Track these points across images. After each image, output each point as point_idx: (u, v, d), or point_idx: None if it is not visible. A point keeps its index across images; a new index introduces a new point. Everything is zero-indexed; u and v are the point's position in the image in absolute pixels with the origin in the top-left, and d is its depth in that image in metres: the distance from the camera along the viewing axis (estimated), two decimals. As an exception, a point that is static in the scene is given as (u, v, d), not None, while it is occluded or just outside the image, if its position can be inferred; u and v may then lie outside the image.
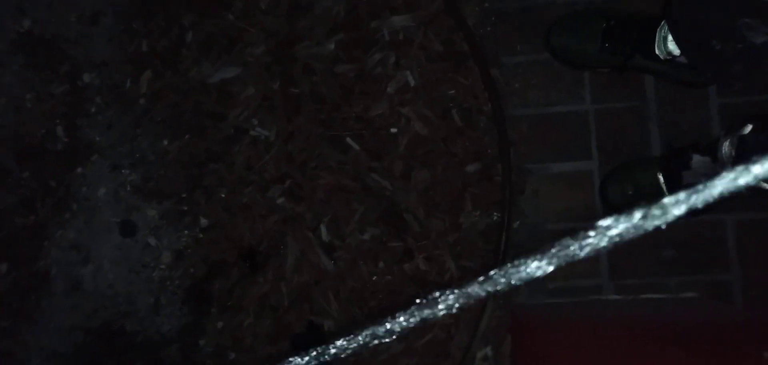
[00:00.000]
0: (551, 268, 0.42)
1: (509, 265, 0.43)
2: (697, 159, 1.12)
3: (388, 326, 0.54)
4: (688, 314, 1.16)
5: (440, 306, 0.50)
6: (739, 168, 0.32)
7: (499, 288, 0.46)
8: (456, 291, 0.49)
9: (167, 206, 1.35)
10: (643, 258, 1.21)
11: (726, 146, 1.03)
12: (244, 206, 1.32)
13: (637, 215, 0.36)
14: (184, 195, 1.34)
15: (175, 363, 1.33)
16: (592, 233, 0.38)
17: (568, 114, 1.25)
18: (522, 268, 0.42)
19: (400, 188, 1.28)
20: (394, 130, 1.28)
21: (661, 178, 1.14)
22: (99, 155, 1.36)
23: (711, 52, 0.95)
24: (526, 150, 1.25)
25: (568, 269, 1.22)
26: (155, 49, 1.36)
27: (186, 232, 1.34)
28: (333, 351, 0.57)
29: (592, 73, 1.23)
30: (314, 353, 0.58)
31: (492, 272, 0.43)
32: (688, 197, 0.34)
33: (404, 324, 0.53)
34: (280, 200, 1.31)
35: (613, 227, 0.37)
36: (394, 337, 0.55)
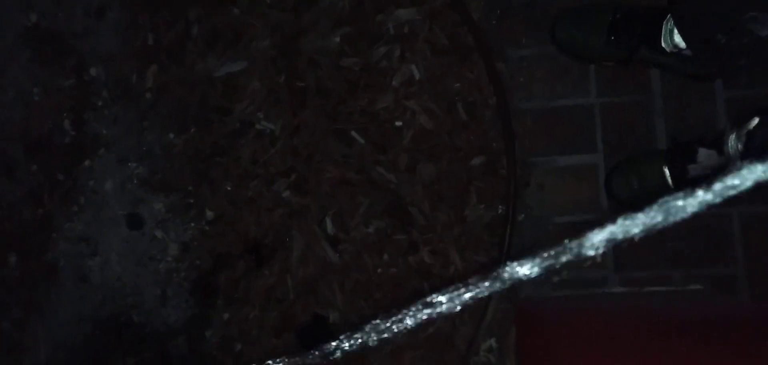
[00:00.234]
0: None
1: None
2: (703, 152, 1.11)
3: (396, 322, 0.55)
4: (693, 307, 1.16)
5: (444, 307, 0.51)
6: None
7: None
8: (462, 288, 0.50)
9: (174, 199, 1.35)
10: (648, 251, 1.21)
11: (732, 140, 1.02)
12: (249, 200, 1.32)
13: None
14: (190, 188, 1.35)
15: (182, 354, 1.34)
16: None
17: (573, 107, 1.25)
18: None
19: (405, 182, 1.28)
20: (399, 123, 1.29)
21: (666, 171, 1.14)
22: (106, 149, 1.37)
23: (717, 46, 0.95)
24: (532, 143, 1.25)
25: (573, 262, 1.23)
26: (161, 43, 1.36)
27: (192, 225, 1.35)
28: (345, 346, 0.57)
29: (598, 66, 1.23)
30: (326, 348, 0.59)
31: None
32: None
33: (412, 322, 0.53)
34: (285, 194, 1.31)
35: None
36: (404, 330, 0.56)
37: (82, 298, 1.36)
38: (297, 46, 1.32)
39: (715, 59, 1.03)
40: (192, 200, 1.35)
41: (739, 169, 0.37)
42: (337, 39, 1.31)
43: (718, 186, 0.39)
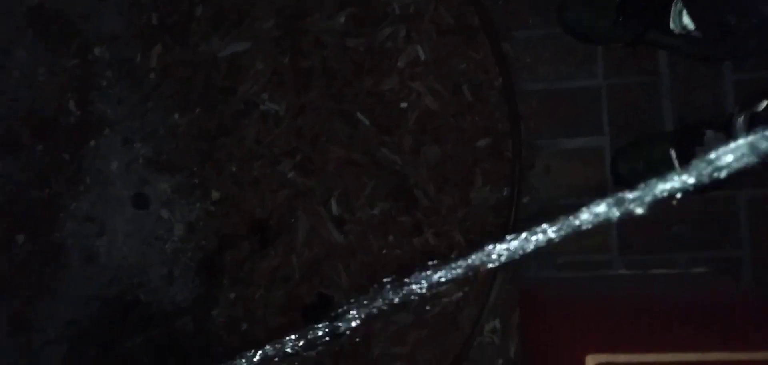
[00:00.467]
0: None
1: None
2: (710, 135, 1.10)
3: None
4: (697, 290, 1.16)
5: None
6: None
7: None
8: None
9: (179, 179, 1.36)
10: (653, 234, 1.21)
11: (740, 122, 1.01)
12: (254, 180, 1.33)
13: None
14: (195, 169, 1.35)
15: (188, 332, 1.35)
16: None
17: (579, 89, 1.24)
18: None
19: (410, 163, 1.28)
20: (404, 105, 1.28)
21: (673, 153, 1.14)
22: (111, 129, 1.37)
23: (727, 27, 0.94)
24: (537, 125, 1.25)
25: (578, 244, 1.23)
26: (165, 23, 1.36)
27: (198, 205, 1.35)
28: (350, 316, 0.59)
29: (605, 47, 1.22)
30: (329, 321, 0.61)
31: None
32: None
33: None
34: (290, 175, 1.32)
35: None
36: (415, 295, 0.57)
37: (90, 277, 1.37)
38: (302, 26, 1.31)
39: (725, 41, 1.02)
40: (197, 181, 1.35)
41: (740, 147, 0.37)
42: (342, 19, 1.30)
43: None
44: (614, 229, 1.22)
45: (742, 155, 0.40)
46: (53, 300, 1.37)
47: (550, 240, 0.55)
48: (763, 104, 0.97)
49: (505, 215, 1.25)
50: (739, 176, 0.51)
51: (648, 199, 0.47)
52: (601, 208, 0.48)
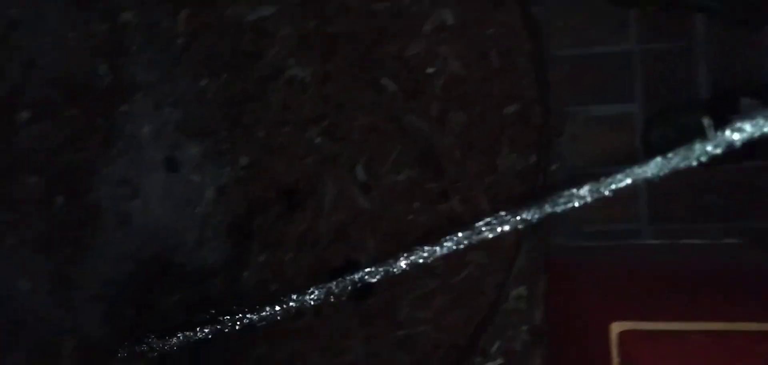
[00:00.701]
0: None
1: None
2: (746, 102, 1.07)
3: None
4: (727, 260, 1.15)
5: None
6: None
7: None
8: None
9: (208, 144, 1.38)
10: (683, 203, 1.19)
11: (778, 91, 0.98)
12: (281, 146, 1.34)
13: None
14: (224, 134, 1.37)
15: (220, 292, 1.40)
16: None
17: (611, 54, 1.20)
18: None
19: (436, 130, 1.27)
20: (430, 70, 1.27)
21: (706, 121, 1.11)
22: (142, 94, 1.39)
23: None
24: (566, 92, 1.22)
25: (606, 213, 1.22)
26: (191, -12, 1.36)
27: (228, 169, 1.38)
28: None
29: (639, 11, 1.18)
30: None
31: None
32: None
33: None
34: (317, 140, 1.32)
35: None
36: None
37: (125, 238, 1.42)
38: (327, -10, 1.30)
39: (764, 1, 0.98)
40: (226, 146, 1.37)
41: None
42: (368, -17, 1.28)
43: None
44: (644, 198, 1.20)
45: None
46: (92, 259, 1.43)
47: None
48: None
49: (532, 183, 1.24)
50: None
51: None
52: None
